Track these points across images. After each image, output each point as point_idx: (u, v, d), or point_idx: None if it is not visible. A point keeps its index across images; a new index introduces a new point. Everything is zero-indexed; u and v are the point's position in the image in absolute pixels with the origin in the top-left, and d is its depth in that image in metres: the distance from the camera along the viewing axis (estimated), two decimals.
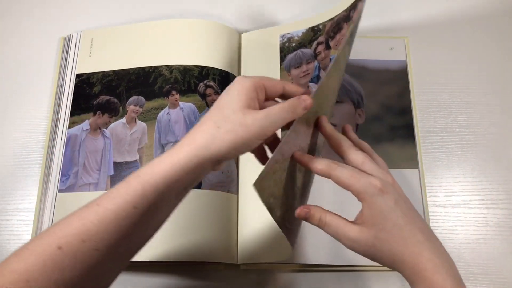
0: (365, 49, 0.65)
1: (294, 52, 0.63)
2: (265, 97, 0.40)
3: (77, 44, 0.66)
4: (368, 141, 0.59)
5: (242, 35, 0.66)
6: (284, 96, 0.41)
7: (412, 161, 0.59)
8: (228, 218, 0.55)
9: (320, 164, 0.39)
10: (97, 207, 0.34)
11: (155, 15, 0.70)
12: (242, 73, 0.64)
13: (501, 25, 0.69)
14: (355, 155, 0.40)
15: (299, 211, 0.39)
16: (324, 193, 0.55)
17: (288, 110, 0.38)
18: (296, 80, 0.62)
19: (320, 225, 0.39)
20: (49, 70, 0.66)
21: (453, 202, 0.59)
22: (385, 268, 0.55)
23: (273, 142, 0.43)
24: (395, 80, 0.64)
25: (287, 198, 0.41)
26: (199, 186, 0.55)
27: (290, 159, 0.40)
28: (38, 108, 0.64)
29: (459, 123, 0.63)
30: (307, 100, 0.38)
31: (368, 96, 0.62)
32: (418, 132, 0.61)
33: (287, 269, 0.56)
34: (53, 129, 0.62)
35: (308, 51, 0.62)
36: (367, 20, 0.69)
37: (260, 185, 0.36)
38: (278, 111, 0.37)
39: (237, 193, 0.57)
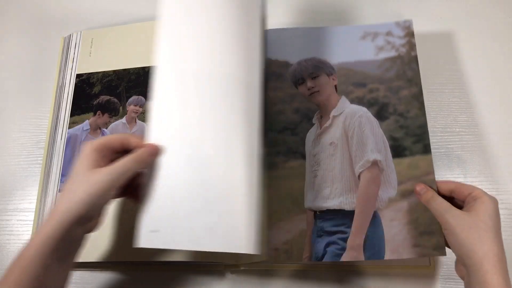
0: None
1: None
2: (120, 150, 0.45)
3: (77, 44, 0.66)
4: None
5: None
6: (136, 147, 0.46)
7: None
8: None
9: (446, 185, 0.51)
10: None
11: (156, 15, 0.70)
12: None
13: (502, 25, 0.69)
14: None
15: (418, 189, 0.50)
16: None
17: (135, 160, 0.44)
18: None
19: (432, 198, 0.49)
20: (49, 70, 0.66)
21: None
22: (385, 268, 0.55)
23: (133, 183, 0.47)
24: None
25: None
26: None
27: None
28: (38, 108, 0.64)
29: (459, 123, 0.63)
30: (152, 147, 0.45)
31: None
32: None
33: (287, 269, 0.56)
34: (53, 129, 0.62)
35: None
36: (366, 20, 0.69)
37: None
38: (123, 163, 0.43)
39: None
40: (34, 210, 0.58)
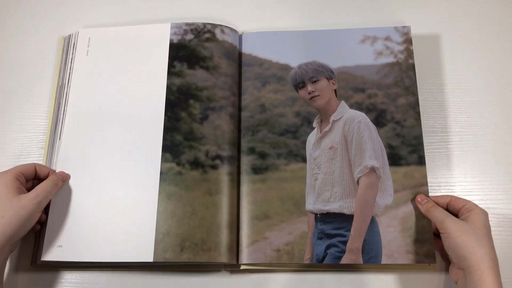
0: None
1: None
2: (36, 176, 0.55)
3: (76, 43, 0.66)
4: None
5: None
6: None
7: None
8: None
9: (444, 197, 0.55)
10: None
11: (157, 15, 0.70)
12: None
13: (501, 25, 0.69)
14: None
15: (419, 199, 0.54)
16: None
17: (51, 184, 0.53)
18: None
19: (432, 207, 0.53)
20: (49, 70, 0.66)
21: None
22: (385, 268, 0.55)
23: None
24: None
25: None
26: None
27: None
28: (38, 108, 0.64)
29: (459, 123, 0.63)
30: (62, 174, 0.56)
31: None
32: None
33: (287, 269, 0.56)
34: (53, 129, 0.61)
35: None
36: (366, 19, 0.69)
37: None
38: (44, 188, 0.52)
39: (237, 193, 0.57)
40: None
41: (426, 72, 0.66)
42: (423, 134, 0.61)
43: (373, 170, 0.56)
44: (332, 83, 0.61)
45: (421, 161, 0.57)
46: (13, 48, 0.68)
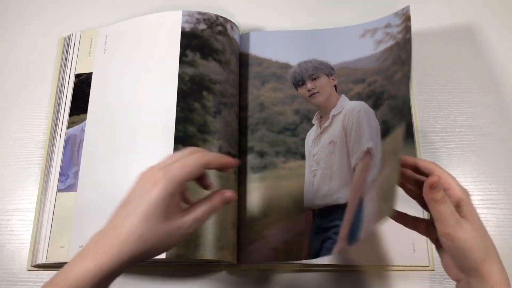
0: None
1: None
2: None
3: (77, 44, 0.66)
4: None
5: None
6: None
7: None
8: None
9: (425, 161, 0.43)
10: None
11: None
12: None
13: (501, 25, 0.69)
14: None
15: (431, 180, 0.40)
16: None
17: (210, 210, 0.38)
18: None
19: (442, 200, 0.40)
20: (49, 70, 0.66)
21: None
22: (385, 268, 0.55)
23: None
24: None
25: None
26: None
27: None
28: (38, 108, 0.64)
29: (459, 123, 0.63)
30: (226, 194, 0.39)
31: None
32: (418, 132, 0.61)
33: (287, 269, 0.56)
34: (53, 129, 0.61)
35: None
36: (366, 19, 0.69)
37: None
38: (201, 217, 0.37)
39: (237, 193, 0.57)
40: (34, 210, 0.58)
41: (426, 72, 0.66)
42: (422, 135, 0.62)
43: (368, 152, 0.53)
44: (332, 79, 0.61)
45: (402, 121, 0.52)
46: (13, 48, 0.68)
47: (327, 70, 0.61)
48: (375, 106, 0.57)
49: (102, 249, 0.34)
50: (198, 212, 0.37)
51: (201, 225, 0.38)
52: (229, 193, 0.40)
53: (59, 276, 0.34)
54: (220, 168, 0.40)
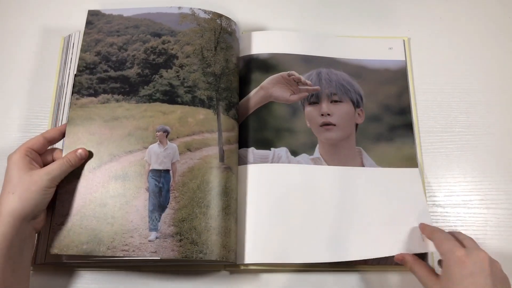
0: (364, 49, 0.65)
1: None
2: (43, 151, 0.53)
3: (76, 44, 0.66)
4: (368, 141, 0.59)
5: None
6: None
7: (412, 161, 0.59)
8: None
9: (427, 230, 0.51)
10: None
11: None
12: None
13: (501, 25, 0.69)
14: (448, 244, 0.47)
15: (398, 256, 0.51)
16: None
17: (65, 163, 0.51)
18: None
19: (411, 270, 0.49)
20: (49, 70, 0.66)
21: (453, 202, 0.59)
22: (385, 268, 0.55)
23: None
24: (395, 80, 0.64)
25: None
26: None
27: None
28: (38, 108, 0.64)
29: (459, 123, 0.63)
30: (79, 151, 0.52)
31: (367, 96, 0.62)
32: (418, 132, 0.61)
33: (287, 269, 0.56)
34: None
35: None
36: (366, 20, 0.69)
37: None
38: (57, 166, 0.50)
39: (236, 193, 0.57)
40: None
41: (426, 72, 0.66)
42: (422, 135, 0.62)
43: None
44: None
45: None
46: (13, 48, 0.68)
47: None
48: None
49: None
50: (56, 163, 0.51)
51: (59, 174, 0.50)
52: (80, 150, 0.52)
53: None
54: (55, 138, 0.54)
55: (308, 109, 0.53)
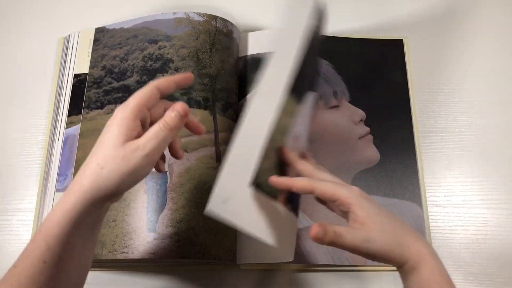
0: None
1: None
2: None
3: (75, 44, 0.66)
4: None
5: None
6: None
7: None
8: None
9: (300, 182, 0.40)
10: (15, 269, 0.36)
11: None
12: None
13: (501, 25, 0.69)
14: (303, 165, 0.44)
15: (314, 232, 0.37)
16: None
17: (164, 129, 0.38)
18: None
19: (336, 238, 0.37)
20: (49, 70, 0.66)
21: (453, 202, 0.59)
22: (385, 268, 0.55)
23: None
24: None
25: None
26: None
27: None
28: (38, 108, 0.64)
29: (459, 123, 0.63)
30: (177, 107, 0.38)
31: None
32: (418, 132, 0.61)
33: (287, 269, 0.56)
34: (52, 129, 0.62)
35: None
36: (366, 20, 0.69)
37: None
38: (154, 135, 0.37)
39: None
40: (34, 210, 0.58)
41: (426, 72, 0.65)
42: (422, 135, 0.61)
43: None
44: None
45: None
46: (13, 48, 0.68)
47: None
48: None
49: (67, 197, 0.37)
50: (151, 131, 0.38)
51: (156, 147, 0.37)
52: (179, 105, 0.39)
53: (43, 225, 0.37)
54: (174, 87, 0.41)
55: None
